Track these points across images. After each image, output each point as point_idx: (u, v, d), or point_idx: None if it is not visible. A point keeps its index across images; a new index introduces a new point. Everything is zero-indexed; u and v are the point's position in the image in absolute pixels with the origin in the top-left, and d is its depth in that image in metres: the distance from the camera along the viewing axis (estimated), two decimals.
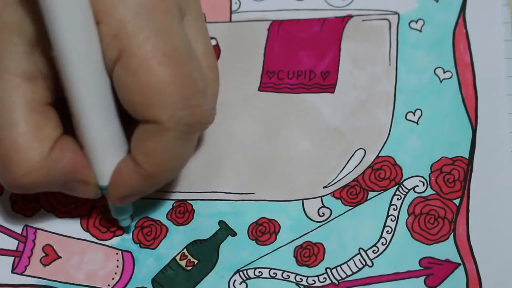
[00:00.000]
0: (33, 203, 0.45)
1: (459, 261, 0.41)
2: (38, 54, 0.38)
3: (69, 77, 0.36)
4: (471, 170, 0.43)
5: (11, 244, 0.44)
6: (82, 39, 0.36)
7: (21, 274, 0.43)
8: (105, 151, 0.39)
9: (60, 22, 0.35)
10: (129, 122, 0.39)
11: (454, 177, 0.43)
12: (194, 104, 0.38)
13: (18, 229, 0.44)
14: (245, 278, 0.42)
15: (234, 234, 0.43)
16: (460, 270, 0.41)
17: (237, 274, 0.42)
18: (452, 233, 0.42)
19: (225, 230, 0.43)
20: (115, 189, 0.40)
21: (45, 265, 0.43)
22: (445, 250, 0.42)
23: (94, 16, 0.36)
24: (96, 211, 0.44)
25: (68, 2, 0.35)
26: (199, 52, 0.40)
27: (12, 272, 0.43)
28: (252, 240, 0.43)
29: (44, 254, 0.43)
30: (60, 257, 0.43)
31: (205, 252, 0.43)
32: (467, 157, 0.44)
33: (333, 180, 0.44)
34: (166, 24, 0.37)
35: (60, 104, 0.39)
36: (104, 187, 0.40)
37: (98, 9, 0.36)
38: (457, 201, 0.43)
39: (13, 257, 0.43)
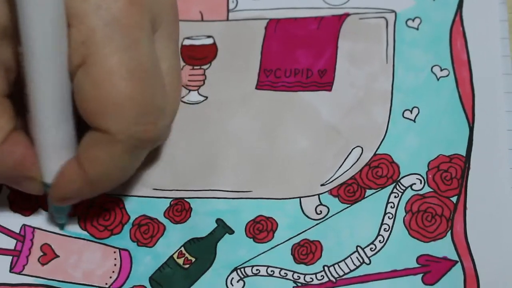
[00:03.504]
0: (31, 202, 0.44)
1: (457, 258, 0.41)
2: (4, 47, 0.38)
3: (31, 74, 0.36)
4: (468, 168, 0.43)
5: (9, 243, 0.44)
6: (51, 40, 0.36)
7: (19, 273, 0.43)
8: (55, 150, 0.39)
9: (33, 20, 0.35)
10: (84, 127, 0.39)
11: (451, 174, 0.43)
12: (149, 121, 0.38)
13: (16, 228, 0.44)
14: (242, 276, 0.42)
15: (231, 232, 0.43)
16: (458, 268, 0.41)
17: (235, 272, 0.42)
18: (450, 231, 0.42)
19: (222, 228, 0.43)
20: (57, 190, 0.40)
21: (43, 264, 0.43)
22: (443, 248, 0.42)
23: (67, 19, 0.36)
24: (94, 210, 0.44)
25: (43, 2, 0.35)
26: (163, 68, 0.40)
27: (10, 271, 0.43)
28: (250, 238, 0.43)
29: (42, 253, 0.43)
30: (58, 256, 0.43)
31: (202, 250, 0.43)
32: (464, 154, 0.44)
33: (331, 178, 0.44)
34: (135, 39, 0.37)
35: (17, 99, 0.39)
36: (48, 184, 0.40)
37: (71, 13, 0.36)
38: (454, 199, 0.43)
39: (11, 257, 0.43)
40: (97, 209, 0.44)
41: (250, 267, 0.42)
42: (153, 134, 0.38)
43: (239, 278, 0.42)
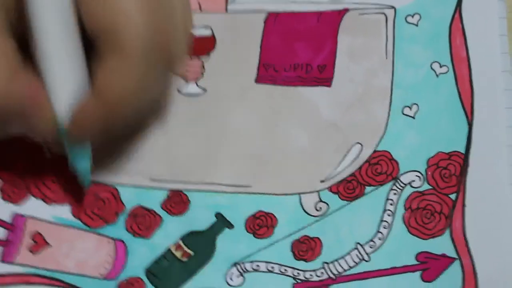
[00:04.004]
0: (22, 191, 0.44)
1: (455, 255, 0.42)
2: None
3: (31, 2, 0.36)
4: (467, 165, 0.44)
5: (0, 233, 0.43)
6: None
7: (10, 263, 0.43)
8: (66, 82, 0.38)
9: None
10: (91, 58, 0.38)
11: (450, 172, 0.44)
12: (160, 30, 0.37)
13: (6, 217, 0.44)
14: (242, 272, 0.42)
15: (231, 226, 0.43)
16: (456, 265, 0.42)
17: (234, 267, 0.42)
18: (448, 228, 0.42)
19: (221, 222, 0.43)
20: (75, 123, 0.38)
21: (34, 254, 0.43)
22: (441, 245, 0.42)
23: None
24: (87, 198, 0.44)
25: None
26: None
27: (2, 261, 0.43)
28: (250, 233, 0.43)
29: (33, 242, 0.43)
30: (49, 245, 0.43)
31: (201, 244, 0.43)
32: (463, 152, 0.44)
33: (330, 174, 0.44)
34: None
35: (24, 44, 0.38)
36: (61, 126, 0.38)
37: None
38: (453, 196, 0.43)
39: (2, 247, 0.43)
40: (90, 197, 0.44)
41: (250, 263, 0.42)
42: (167, 43, 0.37)
43: (239, 273, 0.42)
